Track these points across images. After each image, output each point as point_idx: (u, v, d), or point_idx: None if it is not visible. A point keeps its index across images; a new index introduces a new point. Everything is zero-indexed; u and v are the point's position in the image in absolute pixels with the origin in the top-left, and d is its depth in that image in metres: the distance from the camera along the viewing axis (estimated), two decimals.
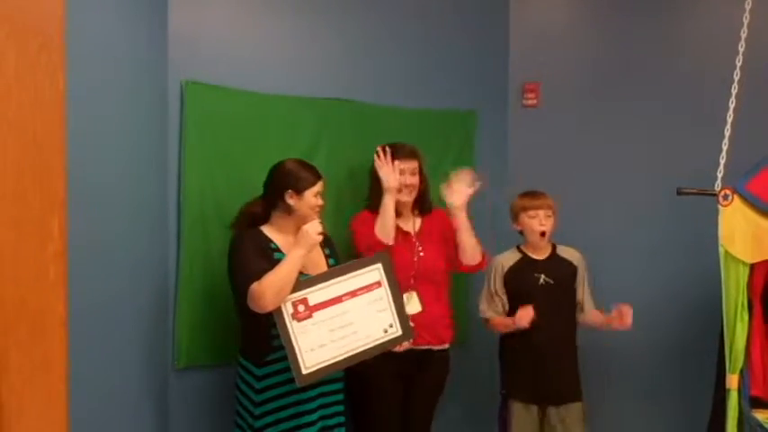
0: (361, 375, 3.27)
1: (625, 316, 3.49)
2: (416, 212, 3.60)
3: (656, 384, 4.20)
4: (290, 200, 3.12)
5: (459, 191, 3.48)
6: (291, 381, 2.94)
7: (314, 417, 3.05)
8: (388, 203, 3.35)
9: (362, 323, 3.05)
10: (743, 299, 3.14)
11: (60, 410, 1.35)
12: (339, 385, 3.18)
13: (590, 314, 3.71)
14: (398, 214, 3.49)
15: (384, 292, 3.11)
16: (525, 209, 3.67)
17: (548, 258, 3.71)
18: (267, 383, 3.01)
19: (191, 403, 3.39)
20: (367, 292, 3.08)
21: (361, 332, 3.04)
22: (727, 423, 3.20)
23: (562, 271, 3.69)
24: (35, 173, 1.40)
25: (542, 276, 3.65)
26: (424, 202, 3.61)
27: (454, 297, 3.93)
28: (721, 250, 3.14)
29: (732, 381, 3.20)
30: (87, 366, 2.21)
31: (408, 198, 3.51)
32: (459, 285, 4.11)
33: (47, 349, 1.33)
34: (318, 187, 3.12)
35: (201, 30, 3.40)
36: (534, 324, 3.52)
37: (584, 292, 3.70)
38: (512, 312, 3.64)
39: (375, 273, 3.11)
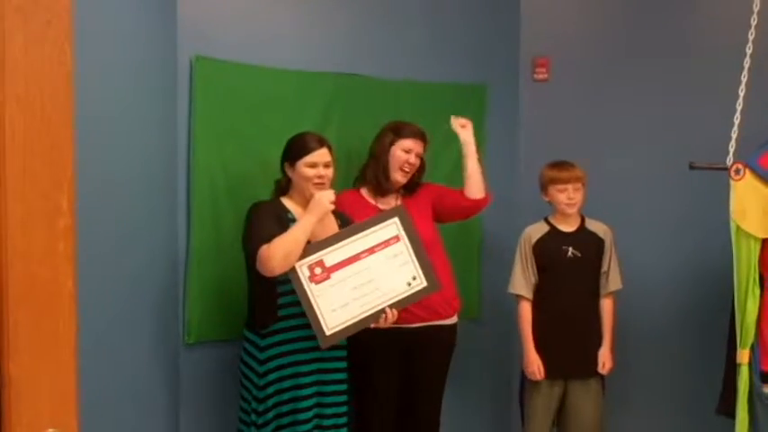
0: (364, 350, 3.27)
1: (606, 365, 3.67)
2: (402, 192, 3.55)
3: (668, 359, 4.20)
4: (288, 171, 3.14)
5: (465, 123, 3.55)
6: (292, 352, 3.01)
7: (309, 391, 3.07)
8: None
9: (384, 279, 3.03)
10: (754, 274, 3.13)
11: (70, 384, 1.36)
12: (340, 364, 3.17)
13: (607, 300, 3.70)
14: (387, 192, 3.48)
15: (404, 246, 3.08)
16: (554, 181, 3.63)
17: (576, 231, 3.69)
18: (270, 354, 3.03)
19: (201, 378, 3.40)
20: (385, 247, 3.05)
21: (384, 288, 3.02)
22: (738, 398, 3.20)
23: (589, 245, 3.67)
24: (44, 148, 1.41)
25: (570, 249, 3.63)
26: (412, 184, 3.55)
27: (465, 269, 3.94)
28: (733, 225, 3.12)
29: (743, 355, 3.20)
30: (97, 341, 2.22)
31: (405, 179, 3.48)
32: (470, 257, 4.13)
33: (56, 324, 1.34)
34: (313, 158, 3.08)
35: (211, 4, 3.38)
36: (561, 297, 3.61)
37: (609, 265, 3.68)
38: (541, 286, 3.67)
39: (392, 227, 3.08)
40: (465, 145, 3.53)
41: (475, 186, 3.51)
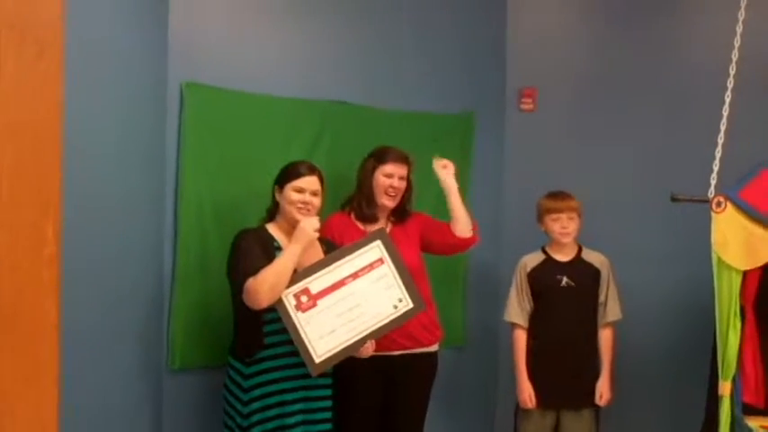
0: (346, 377, 3.26)
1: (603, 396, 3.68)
2: (392, 219, 3.57)
3: (649, 391, 4.21)
4: (276, 194, 3.15)
5: (447, 165, 3.55)
6: (277, 380, 3.01)
7: (295, 419, 3.05)
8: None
9: (370, 302, 3.03)
10: (735, 306, 3.14)
11: (52, 412, 1.36)
12: (325, 392, 3.16)
13: (605, 331, 3.71)
14: (374, 219, 3.50)
15: (388, 269, 3.09)
16: (548, 211, 3.68)
17: (571, 261, 3.73)
18: (255, 382, 3.02)
19: (184, 404, 3.39)
20: (370, 271, 3.06)
21: (370, 312, 3.02)
22: (720, 430, 3.20)
23: (585, 274, 3.70)
24: (31, 177, 1.42)
25: (564, 278, 3.66)
26: (403, 211, 3.58)
27: (451, 296, 3.96)
28: (714, 257, 3.14)
29: (724, 388, 3.20)
30: (82, 367, 2.22)
31: (392, 204, 3.49)
32: (456, 284, 4.14)
33: (39, 353, 1.34)
34: (302, 183, 3.10)
35: (201, 32, 3.41)
36: (554, 326, 3.63)
37: (606, 295, 3.70)
38: (536, 314, 3.69)
39: (375, 250, 3.09)
40: (446, 187, 3.55)
41: (461, 225, 3.53)
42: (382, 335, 3.10)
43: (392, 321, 3.07)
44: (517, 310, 3.71)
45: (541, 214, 3.72)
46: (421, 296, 3.15)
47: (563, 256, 3.73)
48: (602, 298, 3.70)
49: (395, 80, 4.01)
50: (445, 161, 3.57)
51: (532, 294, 3.71)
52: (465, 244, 3.59)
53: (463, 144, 4.18)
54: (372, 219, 3.50)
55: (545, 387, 3.65)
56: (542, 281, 3.70)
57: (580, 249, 3.76)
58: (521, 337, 3.71)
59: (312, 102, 3.70)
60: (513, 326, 3.73)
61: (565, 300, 3.66)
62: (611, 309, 3.70)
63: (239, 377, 3.05)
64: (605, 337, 3.71)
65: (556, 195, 3.70)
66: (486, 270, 4.14)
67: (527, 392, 3.63)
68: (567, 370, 3.64)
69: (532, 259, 3.75)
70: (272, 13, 3.66)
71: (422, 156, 3.69)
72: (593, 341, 3.71)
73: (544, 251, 3.77)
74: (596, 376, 3.69)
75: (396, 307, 3.08)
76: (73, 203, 1.81)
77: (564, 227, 3.65)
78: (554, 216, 3.66)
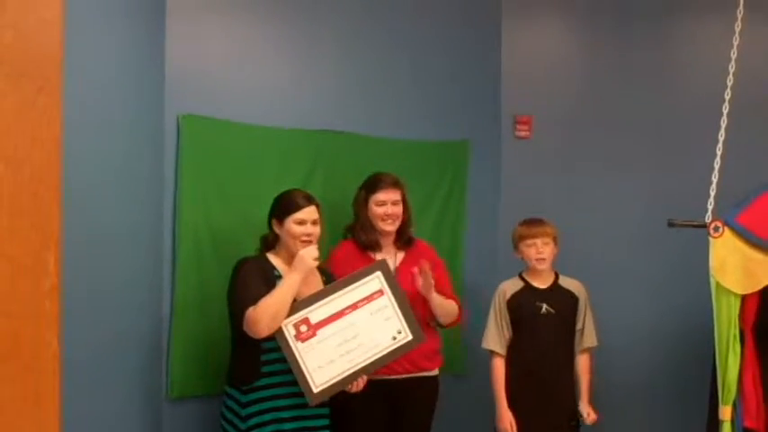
0: (347, 402, 3.22)
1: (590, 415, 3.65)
2: (397, 245, 3.56)
3: (650, 416, 4.20)
4: (276, 227, 3.15)
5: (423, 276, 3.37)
6: (273, 410, 2.99)
7: None
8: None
9: (369, 334, 3.03)
10: (734, 330, 3.15)
11: None
12: (323, 421, 3.13)
13: (582, 357, 3.70)
14: (378, 247, 3.49)
15: (387, 300, 3.09)
16: (523, 237, 3.67)
17: (550, 288, 3.71)
18: (251, 410, 3.00)
19: None
20: (369, 302, 3.06)
21: (369, 343, 3.02)
22: None
23: (564, 301, 3.68)
24: (31, 210, 1.43)
25: (544, 305, 3.65)
26: (404, 235, 3.57)
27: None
28: (712, 281, 3.15)
29: (725, 412, 3.20)
30: (82, 397, 2.22)
31: (391, 228, 3.48)
32: None
33: (39, 384, 1.35)
34: (302, 215, 3.10)
35: (198, 65, 3.44)
36: (534, 353, 3.59)
37: (584, 323, 3.69)
38: (515, 342, 3.67)
39: (375, 282, 3.09)
40: (429, 295, 3.40)
41: (443, 319, 3.51)
42: (381, 366, 3.09)
43: (391, 353, 3.07)
44: (496, 337, 3.69)
45: (516, 242, 3.71)
46: (420, 328, 3.14)
47: (541, 283, 3.72)
48: (579, 325, 3.69)
49: (390, 108, 4.02)
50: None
51: (511, 321, 3.69)
52: (453, 325, 3.61)
53: (459, 171, 4.19)
54: (376, 246, 3.50)
55: (525, 414, 3.62)
56: (522, 308, 3.67)
57: (557, 276, 3.76)
58: (499, 365, 3.69)
59: (308, 132, 3.71)
60: (492, 354, 3.71)
61: (544, 327, 3.64)
62: (588, 335, 3.69)
63: (236, 405, 3.04)
64: (582, 362, 3.69)
65: (530, 222, 3.70)
66: (482, 296, 4.11)
67: (507, 421, 3.61)
68: (547, 397, 3.61)
69: (511, 286, 3.73)
70: (268, 46, 3.69)
71: (418, 183, 3.71)
72: (571, 367, 3.69)
73: (522, 278, 3.75)
74: (576, 402, 3.67)
75: (395, 338, 3.08)
76: (73, 235, 1.82)
77: (539, 252, 3.63)
78: (528, 242, 3.65)
